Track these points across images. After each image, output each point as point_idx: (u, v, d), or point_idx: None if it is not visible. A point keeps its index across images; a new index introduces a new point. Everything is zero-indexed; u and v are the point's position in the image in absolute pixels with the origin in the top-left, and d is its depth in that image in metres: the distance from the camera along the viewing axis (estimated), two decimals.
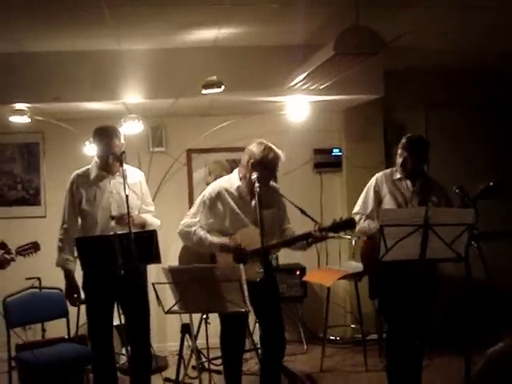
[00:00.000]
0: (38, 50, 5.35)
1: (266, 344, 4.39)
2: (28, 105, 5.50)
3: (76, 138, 5.91)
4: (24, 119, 5.55)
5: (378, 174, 4.80)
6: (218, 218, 4.34)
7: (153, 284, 3.81)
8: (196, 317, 5.02)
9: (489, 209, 4.40)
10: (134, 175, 4.72)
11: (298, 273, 6.35)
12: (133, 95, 5.58)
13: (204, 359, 5.37)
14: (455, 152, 6.71)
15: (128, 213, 4.19)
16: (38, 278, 5.82)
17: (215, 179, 4.74)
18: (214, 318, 4.22)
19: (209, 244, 4.28)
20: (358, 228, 4.75)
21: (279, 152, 4.30)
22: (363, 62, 4.64)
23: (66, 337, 5.18)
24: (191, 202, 6.54)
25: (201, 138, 6.19)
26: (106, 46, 5.38)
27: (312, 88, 5.46)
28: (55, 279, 5.14)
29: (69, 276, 4.60)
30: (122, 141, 4.61)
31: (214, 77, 5.10)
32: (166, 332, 6.16)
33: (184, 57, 5.54)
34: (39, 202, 6.58)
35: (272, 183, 4.45)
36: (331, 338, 6.49)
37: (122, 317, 4.47)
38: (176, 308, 3.82)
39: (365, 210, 4.74)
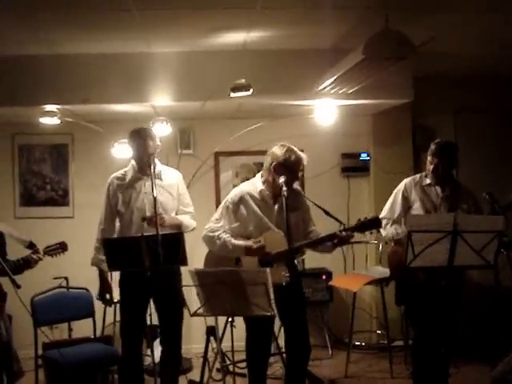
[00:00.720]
0: (69, 52, 5.41)
1: (291, 348, 4.36)
2: (58, 106, 5.55)
3: (104, 139, 5.96)
4: (54, 121, 5.60)
5: (407, 180, 4.76)
6: (242, 222, 4.32)
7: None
8: (221, 320, 5.02)
9: None
10: (170, 176, 4.75)
11: (324, 277, 6.32)
12: (161, 97, 5.61)
13: (228, 362, 5.37)
14: (484, 157, 6.65)
15: (156, 214, 4.21)
16: (66, 278, 5.87)
17: (242, 182, 4.73)
18: (240, 322, 4.21)
19: (233, 247, 4.26)
20: (384, 233, 4.73)
21: (302, 154, 4.27)
22: (392, 66, 4.61)
23: (92, 336, 5.21)
24: (218, 205, 6.49)
25: (229, 141, 6.20)
26: (135, 48, 5.42)
27: (340, 92, 5.45)
28: (82, 279, 5.20)
29: (102, 276, 4.65)
30: (158, 142, 4.63)
31: (243, 80, 5.11)
32: (191, 334, 6.16)
33: (213, 60, 5.55)
34: (67, 203, 6.63)
35: (295, 186, 4.43)
36: (356, 343, 6.45)
37: (149, 318, 4.48)
38: (202, 311, 3.83)
39: (392, 214, 4.70)
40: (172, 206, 4.67)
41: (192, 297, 3.88)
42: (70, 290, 5.41)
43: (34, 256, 4.42)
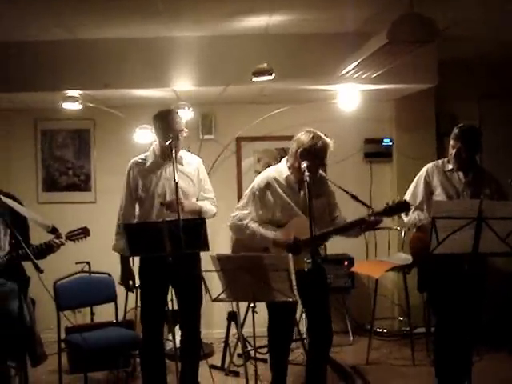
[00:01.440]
0: (90, 37, 5.40)
1: (313, 334, 4.36)
2: (80, 91, 5.56)
3: (126, 124, 5.97)
4: (76, 106, 5.61)
5: (429, 165, 4.71)
6: (269, 208, 4.29)
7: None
8: (243, 305, 5.02)
9: None
10: (191, 162, 4.71)
11: (346, 263, 6.29)
12: (183, 82, 5.58)
13: (250, 347, 5.37)
14: (509, 143, 6.55)
15: (177, 199, 4.19)
16: (88, 263, 5.90)
17: (264, 167, 4.71)
18: (262, 307, 4.20)
19: (261, 237, 4.24)
20: (406, 219, 4.69)
21: (328, 140, 4.23)
22: (417, 50, 4.55)
23: (114, 321, 5.25)
24: (240, 190, 6.55)
25: (250, 126, 6.18)
26: (156, 33, 5.39)
27: (364, 77, 5.38)
28: (104, 264, 5.22)
29: (124, 261, 4.64)
30: (183, 126, 4.57)
31: (265, 64, 5.07)
32: (212, 319, 6.18)
33: (235, 44, 5.51)
34: (90, 188, 6.67)
35: (320, 172, 4.40)
36: (378, 330, 6.42)
37: (170, 303, 4.49)
38: (223, 296, 3.82)
39: (414, 200, 4.64)
40: (193, 192, 4.64)
41: (214, 282, 3.87)
42: (92, 274, 5.44)
43: (57, 241, 4.44)
